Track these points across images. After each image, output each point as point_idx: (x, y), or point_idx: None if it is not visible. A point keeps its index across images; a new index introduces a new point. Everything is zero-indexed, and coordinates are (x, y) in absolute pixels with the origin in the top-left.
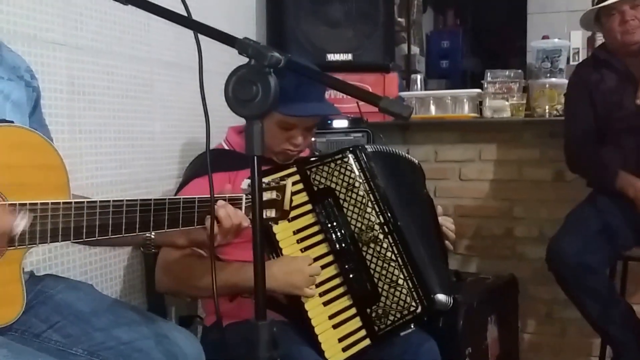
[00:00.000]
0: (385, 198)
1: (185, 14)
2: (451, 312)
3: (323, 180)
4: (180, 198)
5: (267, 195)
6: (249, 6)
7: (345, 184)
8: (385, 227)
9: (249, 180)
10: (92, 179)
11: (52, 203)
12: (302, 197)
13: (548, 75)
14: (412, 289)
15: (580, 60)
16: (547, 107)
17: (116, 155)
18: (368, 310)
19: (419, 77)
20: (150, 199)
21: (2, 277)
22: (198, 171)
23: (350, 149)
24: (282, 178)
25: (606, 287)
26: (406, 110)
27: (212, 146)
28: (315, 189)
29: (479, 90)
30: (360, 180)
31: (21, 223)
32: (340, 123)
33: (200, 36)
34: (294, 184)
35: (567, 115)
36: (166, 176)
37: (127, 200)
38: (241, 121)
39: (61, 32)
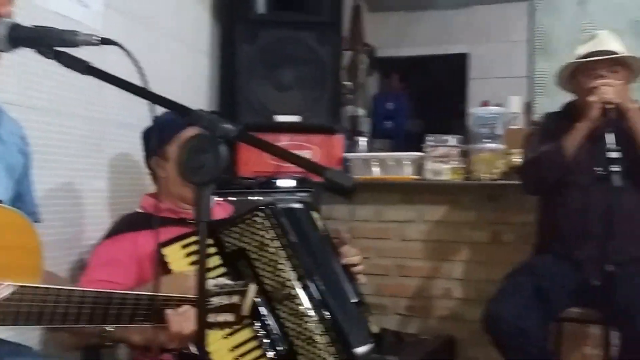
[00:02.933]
0: (298, 253)
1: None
2: None
3: (235, 242)
4: (145, 294)
5: (228, 299)
6: (203, 67)
7: (256, 243)
8: (298, 282)
9: (214, 281)
10: None
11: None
12: (215, 260)
13: (486, 140)
14: (330, 344)
15: (518, 124)
16: (485, 171)
17: (63, 214)
18: None
19: (363, 139)
20: (115, 292)
21: None
22: (110, 232)
23: (260, 207)
24: (246, 283)
25: (542, 352)
26: (348, 181)
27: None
28: (228, 251)
29: (420, 154)
30: (271, 238)
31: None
32: (286, 183)
33: None
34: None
35: (525, 148)
36: None
37: (90, 292)
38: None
39: (15, 92)
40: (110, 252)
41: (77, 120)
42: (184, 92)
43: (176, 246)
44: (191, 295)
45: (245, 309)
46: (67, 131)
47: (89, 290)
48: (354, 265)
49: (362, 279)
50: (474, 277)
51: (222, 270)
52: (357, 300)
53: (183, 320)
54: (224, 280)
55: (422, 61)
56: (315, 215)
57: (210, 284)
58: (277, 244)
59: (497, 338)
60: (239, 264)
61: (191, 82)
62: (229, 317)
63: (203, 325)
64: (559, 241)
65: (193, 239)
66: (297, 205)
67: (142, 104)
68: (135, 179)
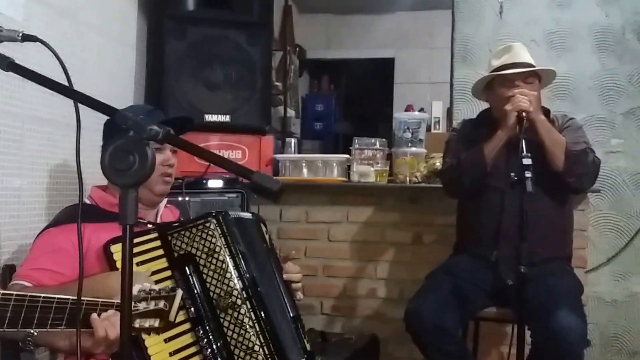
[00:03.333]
0: (245, 263)
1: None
2: None
3: (184, 246)
4: (69, 298)
5: (154, 304)
6: (129, 62)
7: (206, 250)
8: (244, 292)
9: (139, 286)
10: None
11: None
12: (162, 263)
13: (409, 144)
14: (268, 356)
15: (440, 129)
16: (407, 174)
17: None
18: None
19: (293, 140)
20: (39, 295)
21: None
22: (56, 221)
23: (213, 214)
24: (173, 288)
25: (461, 349)
26: (275, 184)
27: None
28: (176, 254)
29: (347, 156)
30: (221, 246)
31: None
32: (215, 183)
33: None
34: (154, 249)
35: (445, 154)
36: (32, 235)
37: (13, 294)
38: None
39: None
40: (56, 241)
41: None
42: (110, 87)
43: None
44: (116, 300)
45: (173, 315)
46: None
47: (11, 293)
48: (294, 282)
49: (299, 295)
50: (397, 277)
51: (167, 273)
52: (294, 315)
53: (108, 325)
54: (149, 285)
55: (351, 64)
56: (263, 228)
57: (136, 289)
58: (226, 252)
59: (416, 336)
60: (185, 269)
61: (117, 76)
62: (155, 322)
63: (128, 330)
64: (476, 242)
65: (143, 238)
66: (247, 216)
67: (64, 99)
68: (58, 177)
